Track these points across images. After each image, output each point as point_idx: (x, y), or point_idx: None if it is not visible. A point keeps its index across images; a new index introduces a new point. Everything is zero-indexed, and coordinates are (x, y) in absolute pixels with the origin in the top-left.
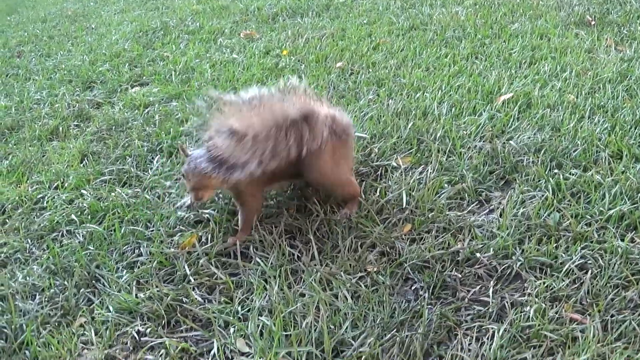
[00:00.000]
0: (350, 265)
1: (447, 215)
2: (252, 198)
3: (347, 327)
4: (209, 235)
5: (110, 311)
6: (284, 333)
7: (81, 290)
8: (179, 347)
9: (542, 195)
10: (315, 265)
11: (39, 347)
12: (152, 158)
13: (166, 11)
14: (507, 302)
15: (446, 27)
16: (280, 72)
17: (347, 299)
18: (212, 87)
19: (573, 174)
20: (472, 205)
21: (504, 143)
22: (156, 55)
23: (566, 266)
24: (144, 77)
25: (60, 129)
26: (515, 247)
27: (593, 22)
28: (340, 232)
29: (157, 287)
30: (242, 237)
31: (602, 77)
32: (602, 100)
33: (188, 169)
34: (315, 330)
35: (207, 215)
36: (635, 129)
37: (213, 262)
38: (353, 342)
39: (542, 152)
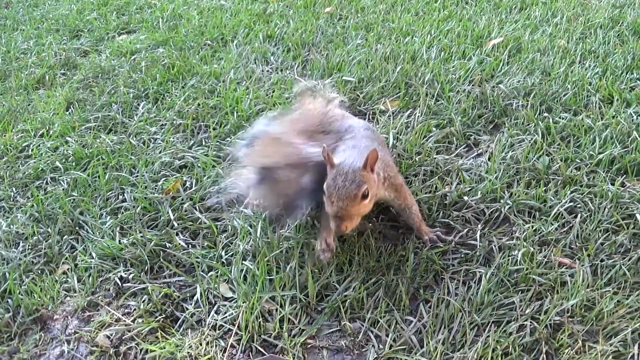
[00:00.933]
0: None
1: (435, 158)
2: (403, 182)
3: (331, 271)
4: (194, 180)
5: (93, 258)
6: (268, 277)
7: (64, 238)
8: (162, 293)
9: (532, 139)
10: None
11: (21, 295)
12: (138, 104)
13: None
14: (494, 246)
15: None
16: (268, 18)
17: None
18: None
19: (563, 118)
20: (460, 149)
21: (494, 87)
22: (143, 2)
23: (555, 210)
24: (131, 25)
25: (47, 77)
26: (503, 191)
27: None
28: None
29: (140, 232)
30: (429, 230)
31: (593, 22)
32: (593, 46)
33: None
34: (299, 274)
35: (191, 159)
36: (626, 73)
37: (197, 207)
38: (338, 286)
39: (532, 96)
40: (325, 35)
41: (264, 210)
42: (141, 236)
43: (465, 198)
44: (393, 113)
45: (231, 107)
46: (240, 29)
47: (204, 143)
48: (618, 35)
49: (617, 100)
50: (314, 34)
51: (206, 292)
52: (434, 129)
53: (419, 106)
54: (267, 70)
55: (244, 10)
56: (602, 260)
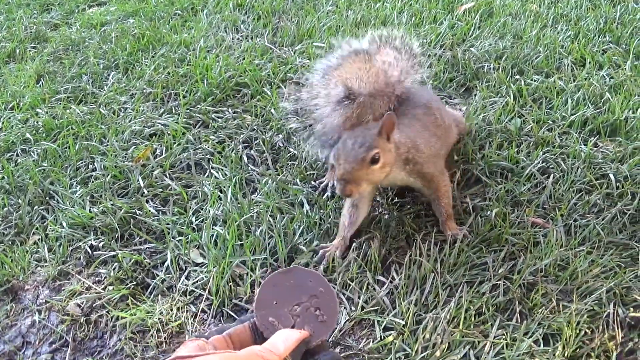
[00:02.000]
0: (306, 174)
1: None
2: (440, 173)
3: (301, 235)
4: (164, 147)
5: (63, 227)
6: (238, 242)
7: (35, 208)
8: (132, 260)
9: (504, 101)
10: (270, 174)
11: None
12: (108, 75)
13: None
14: (468, 207)
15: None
16: None
17: (302, 206)
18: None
19: (535, 80)
20: None
21: (465, 51)
22: None
23: (527, 170)
24: None
25: (17, 51)
26: (475, 153)
27: None
28: (296, 142)
29: (110, 201)
30: (455, 227)
31: None
32: (565, 10)
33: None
34: (269, 237)
35: (161, 127)
36: (598, 37)
37: (167, 174)
38: (308, 249)
39: (504, 59)
40: (296, 3)
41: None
42: (111, 204)
43: None
44: None
45: (201, 75)
46: None
47: (174, 111)
48: None
49: (589, 62)
50: (285, 1)
51: (177, 258)
52: None
53: None
54: (238, 38)
55: None
56: (575, 220)
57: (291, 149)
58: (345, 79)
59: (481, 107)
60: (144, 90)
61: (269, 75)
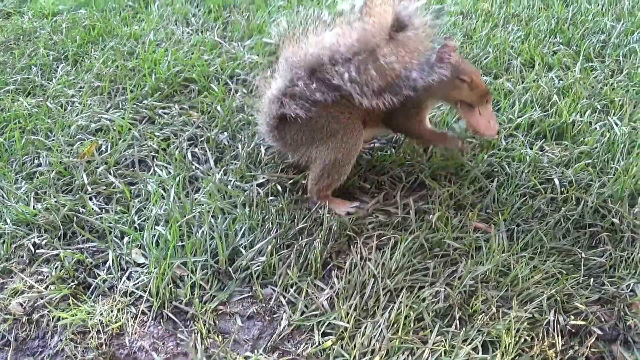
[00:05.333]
0: (250, 173)
1: None
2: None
3: (242, 236)
4: (109, 143)
5: (7, 224)
6: (180, 243)
7: None
8: (75, 259)
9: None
10: (213, 173)
11: None
12: (57, 67)
13: None
14: (411, 211)
15: None
16: None
17: (244, 207)
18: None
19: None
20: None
21: None
22: None
23: (471, 174)
24: None
25: None
26: (421, 156)
27: None
28: (241, 140)
29: (54, 197)
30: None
31: None
32: (517, 9)
33: None
34: (210, 238)
35: (107, 122)
36: (549, 37)
37: (111, 171)
38: (248, 251)
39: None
40: None
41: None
42: (55, 201)
43: (387, 166)
44: None
45: (149, 69)
46: None
47: (120, 106)
48: None
49: (539, 64)
50: None
51: (118, 258)
52: None
53: None
54: (188, 32)
55: None
56: (518, 225)
57: (236, 148)
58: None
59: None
60: (92, 84)
61: (217, 70)
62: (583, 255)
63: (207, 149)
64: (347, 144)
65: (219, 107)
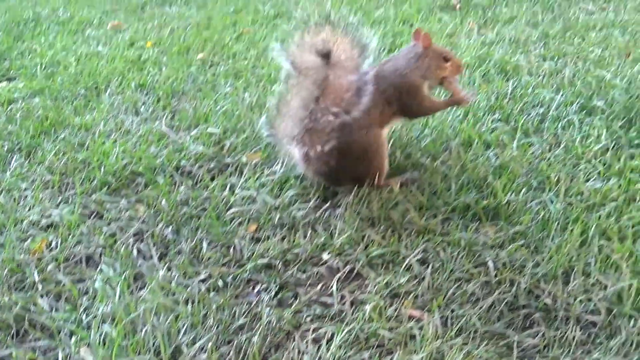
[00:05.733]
0: (192, 269)
1: (292, 212)
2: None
3: (185, 333)
4: (59, 239)
5: None
6: (125, 342)
7: None
8: (27, 358)
9: (388, 188)
10: (157, 270)
11: None
12: (12, 158)
13: (40, 0)
14: (347, 301)
15: (311, 14)
16: (142, 65)
17: (187, 304)
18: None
19: (422, 164)
20: (317, 201)
21: None
22: (25, 47)
23: (407, 261)
24: (12, 72)
25: None
26: (358, 244)
27: (458, 6)
28: (185, 234)
29: (7, 295)
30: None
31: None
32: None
33: None
34: (154, 336)
35: (57, 217)
36: (488, 114)
37: (61, 268)
38: (190, 349)
39: (390, 143)
40: (196, 83)
41: None
42: (8, 299)
43: (321, 254)
44: (255, 166)
45: (99, 162)
46: (114, 77)
47: (70, 200)
48: (484, 74)
49: (477, 143)
50: (185, 82)
51: (68, 357)
52: (293, 180)
53: (280, 158)
54: (137, 122)
55: (120, 57)
56: (452, 311)
57: (180, 242)
58: None
59: (366, 193)
60: (44, 177)
61: (163, 162)
62: (516, 337)
63: (152, 245)
64: (378, 150)
65: (163, 201)
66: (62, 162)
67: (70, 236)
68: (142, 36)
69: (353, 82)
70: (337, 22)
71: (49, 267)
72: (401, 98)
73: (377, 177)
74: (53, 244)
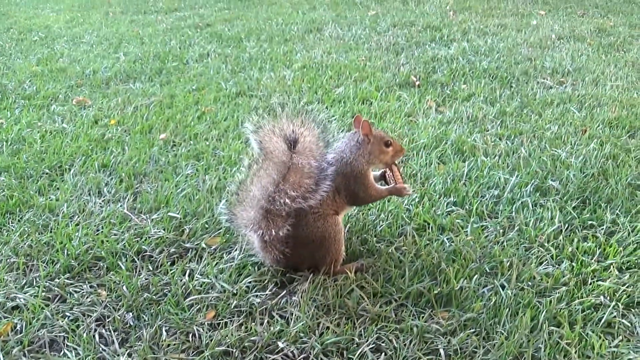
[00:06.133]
0: (152, 355)
1: (250, 299)
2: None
3: None
4: (24, 322)
5: None
6: None
7: None
8: None
9: (343, 276)
10: (118, 355)
11: None
12: None
13: (6, 72)
14: None
15: (272, 93)
16: (105, 144)
17: None
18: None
19: (377, 250)
20: (274, 288)
21: None
22: None
23: (360, 350)
24: None
25: None
26: (314, 332)
27: (418, 83)
28: (146, 320)
29: None
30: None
31: (418, 143)
32: (415, 169)
33: None
34: None
35: (22, 300)
36: (443, 197)
37: (26, 352)
38: None
39: (347, 228)
40: (158, 165)
41: None
42: None
43: (277, 342)
44: (214, 250)
45: (62, 245)
46: (78, 156)
47: (35, 283)
48: (440, 155)
49: (431, 228)
50: (147, 163)
51: None
52: (250, 267)
53: (239, 242)
54: (100, 204)
55: (84, 135)
56: None
57: (141, 328)
58: None
59: (321, 281)
60: (9, 259)
61: (124, 246)
62: None
63: (113, 330)
64: (335, 237)
65: (124, 287)
66: (26, 244)
67: (34, 320)
68: (106, 113)
69: (314, 170)
70: (308, 115)
71: (14, 351)
72: (349, 185)
73: (333, 264)
74: (18, 327)
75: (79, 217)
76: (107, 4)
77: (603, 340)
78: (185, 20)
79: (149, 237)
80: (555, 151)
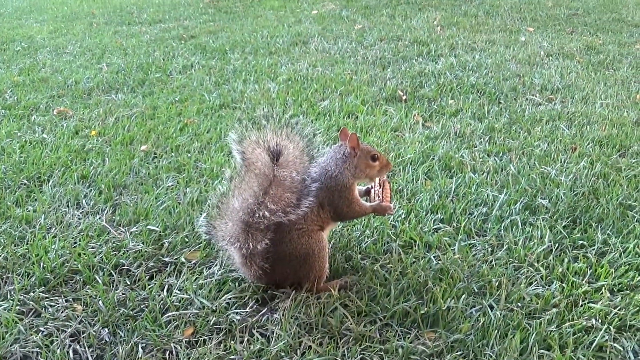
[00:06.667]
0: None
1: (230, 316)
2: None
3: None
4: None
5: None
6: None
7: None
8: None
9: (326, 294)
10: None
11: None
12: None
13: None
14: None
15: (256, 105)
16: (85, 155)
17: None
18: None
19: (361, 267)
20: (255, 305)
21: None
22: None
23: None
24: None
25: None
26: (295, 351)
27: (405, 97)
28: (122, 336)
29: None
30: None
31: (404, 158)
32: (401, 184)
33: None
34: None
35: None
36: (430, 214)
37: None
38: None
39: (331, 244)
40: (138, 177)
41: None
42: None
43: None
44: (194, 265)
45: (38, 257)
46: (58, 167)
47: (9, 296)
48: (427, 171)
49: (417, 245)
50: (127, 175)
51: None
52: (231, 284)
53: (219, 257)
54: (78, 215)
55: (64, 146)
56: None
57: (116, 345)
58: None
59: (304, 299)
60: None
61: (102, 260)
62: None
63: (87, 347)
64: (319, 254)
65: (101, 302)
66: (1, 256)
67: (7, 334)
68: (87, 124)
69: (296, 184)
70: (294, 128)
71: None
72: (333, 200)
73: (316, 281)
74: None
75: (56, 229)
76: (91, 15)
77: None
78: (169, 31)
79: (127, 251)
80: (545, 169)
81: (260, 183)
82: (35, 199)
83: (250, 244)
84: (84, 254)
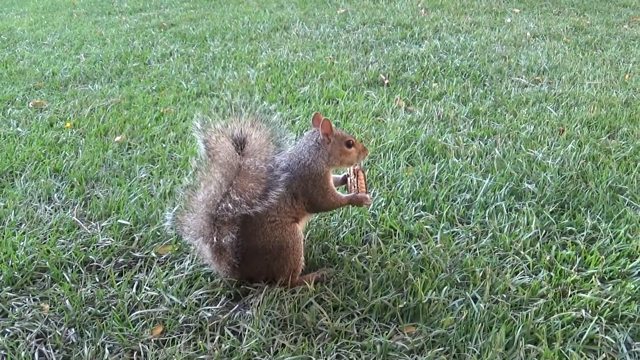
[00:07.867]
0: None
1: (200, 313)
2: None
3: None
4: None
5: None
6: None
7: None
8: None
9: (301, 288)
10: None
11: None
12: None
13: None
14: None
15: (235, 93)
16: (59, 147)
17: None
18: None
19: (339, 259)
20: (227, 301)
21: None
22: None
23: None
24: None
25: None
26: (268, 349)
27: (387, 81)
28: (89, 336)
29: None
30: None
31: (385, 143)
32: (381, 171)
33: None
34: None
35: None
36: (412, 201)
37: None
38: None
39: (307, 235)
40: (111, 169)
41: None
42: None
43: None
44: (165, 260)
45: (6, 255)
46: (30, 161)
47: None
48: (409, 157)
49: (398, 234)
50: (100, 167)
51: None
52: (203, 278)
53: (191, 252)
54: (49, 211)
55: (38, 139)
56: None
57: (83, 346)
58: None
59: (277, 293)
60: None
61: (70, 256)
62: None
63: (53, 349)
64: (294, 247)
65: (67, 301)
66: None
67: None
68: (62, 116)
69: (261, 174)
70: (260, 115)
71: None
72: (307, 189)
73: (291, 275)
74: None
75: (26, 225)
76: (71, 5)
77: (585, 359)
78: (149, 20)
79: (97, 246)
80: (531, 152)
81: (224, 173)
82: (7, 195)
83: (214, 237)
84: (53, 250)
